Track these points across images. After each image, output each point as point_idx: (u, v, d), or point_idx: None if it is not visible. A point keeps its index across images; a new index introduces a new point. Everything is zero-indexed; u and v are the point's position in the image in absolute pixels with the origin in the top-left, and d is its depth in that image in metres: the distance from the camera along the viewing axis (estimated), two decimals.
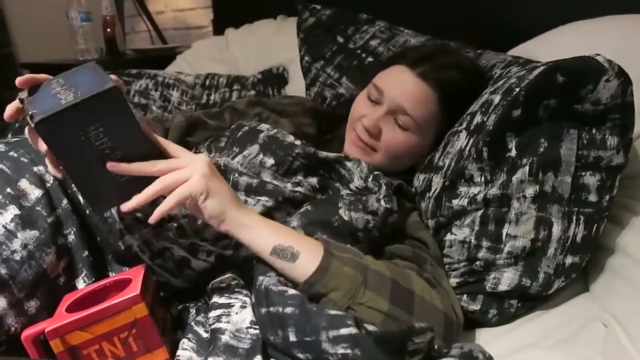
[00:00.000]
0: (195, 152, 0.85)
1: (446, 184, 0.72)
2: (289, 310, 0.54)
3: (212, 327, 0.57)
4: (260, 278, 0.60)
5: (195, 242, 0.68)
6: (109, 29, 1.95)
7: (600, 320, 0.65)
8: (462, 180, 0.70)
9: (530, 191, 0.66)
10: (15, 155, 0.65)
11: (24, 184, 0.62)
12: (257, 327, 0.58)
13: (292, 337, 0.53)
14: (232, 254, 0.68)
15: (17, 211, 0.59)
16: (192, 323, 0.61)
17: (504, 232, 0.68)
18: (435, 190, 0.74)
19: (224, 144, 0.83)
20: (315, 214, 0.70)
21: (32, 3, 2.13)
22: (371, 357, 0.49)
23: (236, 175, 0.75)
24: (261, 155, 0.77)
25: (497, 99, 0.71)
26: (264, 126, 0.82)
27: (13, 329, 0.56)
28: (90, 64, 0.57)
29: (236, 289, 0.63)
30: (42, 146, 0.54)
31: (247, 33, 1.65)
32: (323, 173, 0.78)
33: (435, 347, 0.52)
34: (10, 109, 0.54)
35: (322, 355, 0.51)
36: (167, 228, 0.68)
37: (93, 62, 0.58)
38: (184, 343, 0.57)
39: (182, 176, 0.58)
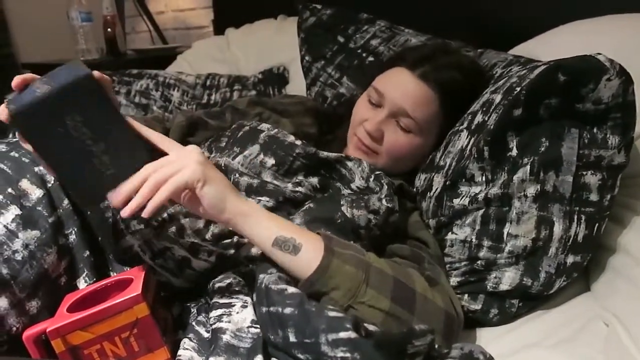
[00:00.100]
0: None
1: (447, 183, 0.72)
2: (288, 310, 0.54)
3: (213, 326, 0.57)
4: (262, 276, 0.60)
5: (196, 242, 0.68)
6: (109, 29, 1.95)
7: (601, 319, 0.65)
8: (463, 180, 0.70)
9: (531, 190, 0.66)
10: (17, 155, 0.65)
11: (25, 184, 0.62)
12: (258, 326, 0.58)
13: (292, 338, 0.53)
14: (233, 254, 0.68)
15: (18, 211, 0.59)
16: (193, 323, 0.61)
17: (505, 231, 0.68)
18: (437, 189, 0.74)
19: (224, 144, 0.83)
20: (318, 211, 0.70)
21: (32, 3, 2.14)
22: None
23: (237, 175, 0.75)
24: (262, 156, 0.77)
25: (498, 98, 0.71)
26: (264, 126, 0.82)
27: (14, 329, 0.56)
28: (74, 60, 0.57)
29: (237, 289, 0.63)
30: (28, 145, 0.54)
31: (248, 33, 1.65)
32: (324, 173, 0.78)
33: (436, 346, 0.52)
34: (1, 112, 0.54)
35: (322, 358, 0.51)
36: (167, 228, 0.68)
37: (78, 59, 0.58)
38: (185, 343, 0.57)
39: (176, 166, 0.56)
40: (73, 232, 0.64)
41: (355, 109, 0.87)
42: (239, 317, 0.58)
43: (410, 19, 1.16)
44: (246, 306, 0.60)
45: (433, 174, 0.77)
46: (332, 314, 0.53)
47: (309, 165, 0.76)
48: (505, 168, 0.67)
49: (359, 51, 1.13)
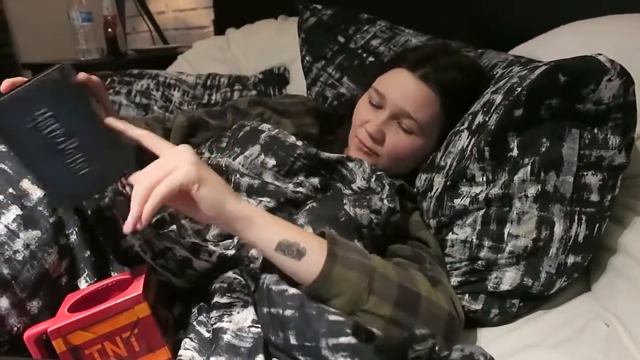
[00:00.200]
0: (196, 152, 0.86)
1: (448, 183, 0.72)
2: (288, 312, 0.54)
3: (214, 326, 0.57)
4: (263, 276, 0.60)
5: (197, 242, 0.68)
6: (110, 29, 1.95)
7: (602, 319, 0.65)
8: (464, 180, 0.70)
9: (532, 191, 0.66)
10: None
11: (25, 184, 0.62)
12: (259, 326, 0.58)
13: (293, 340, 0.53)
14: (234, 254, 0.68)
15: (19, 211, 0.59)
16: (194, 323, 0.61)
17: (506, 231, 0.68)
18: (437, 189, 0.74)
19: (225, 144, 0.83)
20: (322, 210, 0.69)
21: (33, 3, 2.14)
22: None
23: (238, 176, 0.75)
24: (262, 156, 0.77)
25: (498, 98, 0.71)
26: (265, 126, 0.82)
27: (15, 329, 0.56)
28: (63, 63, 0.57)
29: (238, 289, 0.63)
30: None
31: (248, 33, 1.65)
32: (325, 173, 0.78)
33: (436, 348, 0.52)
34: None
35: None
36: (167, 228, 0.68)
37: (67, 62, 0.58)
38: (186, 343, 0.57)
39: (168, 167, 0.53)
40: (74, 232, 0.64)
41: (356, 110, 0.87)
42: (239, 317, 0.58)
43: (410, 19, 1.16)
44: (247, 306, 0.60)
45: (434, 174, 0.77)
46: (332, 317, 0.52)
47: (310, 165, 0.76)
48: (506, 168, 0.67)
49: (360, 51, 1.13)
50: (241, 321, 0.57)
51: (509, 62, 0.86)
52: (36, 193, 0.62)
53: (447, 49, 0.89)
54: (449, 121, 0.81)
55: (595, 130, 0.64)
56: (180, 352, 0.56)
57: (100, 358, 0.54)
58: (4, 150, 0.67)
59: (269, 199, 0.73)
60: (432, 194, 0.75)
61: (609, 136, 0.64)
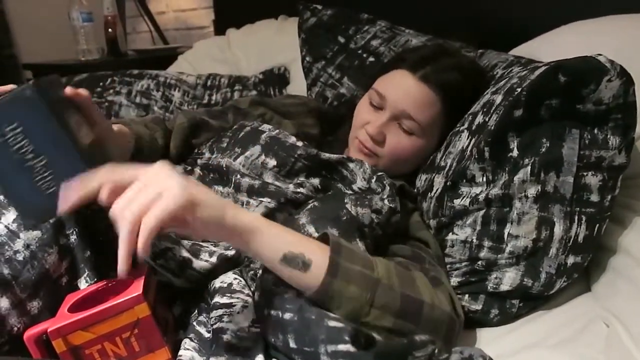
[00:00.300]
0: (197, 153, 0.86)
1: (448, 184, 0.72)
2: (287, 316, 0.54)
3: (214, 326, 0.57)
4: (263, 277, 0.60)
5: (197, 243, 0.68)
6: (110, 30, 1.95)
7: (602, 320, 0.65)
8: (464, 180, 0.70)
9: (532, 191, 0.66)
10: None
11: None
12: (259, 326, 0.58)
13: (292, 344, 0.53)
14: (234, 255, 0.68)
15: None
16: (194, 323, 0.61)
17: (506, 232, 0.68)
18: (437, 190, 0.74)
19: (225, 144, 0.83)
20: (324, 209, 0.69)
21: (34, 4, 2.14)
22: None
23: (238, 176, 0.75)
24: (263, 156, 0.77)
25: (498, 99, 0.71)
26: (265, 127, 0.82)
27: (16, 329, 0.56)
28: (51, 75, 0.57)
29: (237, 289, 0.63)
30: None
31: (248, 33, 1.65)
32: (325, 174, 0.77)
33: (436, 351, 0.52)
34: None
35: None
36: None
37: (56, 75, 0.58)
38: (186, 343, 0.57)
39: (151, 194, 0.47)
40: (74, 232, 0.64)
41: (357, 111, 0.87)
42: (239, 317, 0.58)
43: (410, 19, 1.16)
44: (247, 306, 0.60)
45: (434, 174, 0.77)
46: (332, 323, 0.52)
47: (311, 166, 0.76)
48: (506, 169, 0.67)
49: (360, 51, 1.13)
50: (241, 321, 0.57)
51: (509, 63, 0.87)
52: None
53: (447, 49, 0.89)
54: (449, 122, 0.81)
55: (596, 131, 0.64)
56: (180, 352, 0.56)
57: (100, 358, 0.54)
58: None
59: (269, 199, 0.73)
60: (432, 194, 0.75)
61: (609, 136, 0.64)
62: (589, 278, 0.74)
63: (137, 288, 0.54)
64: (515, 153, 0.67)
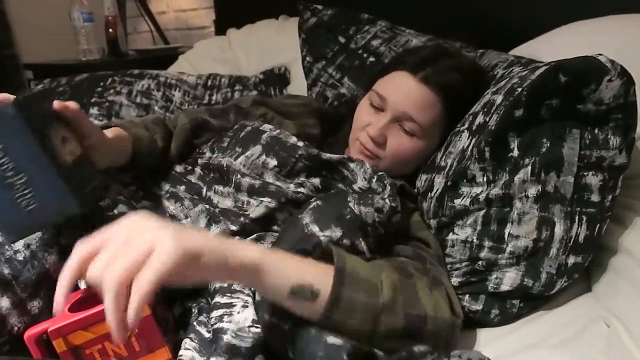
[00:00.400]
0: (198, 152, 0.86)
1: (448, 184, 0.72)
2: (287, 326, 0.54)
3: (214, 327, 0.57)
4: None
5: None
6: (111, 30, 1.95)
7: (603, 320, 0.65)
8: (464, 180, 0.70)
9: (532, 191, 0.66)
10: None
11: None
12: (259, 326, 0.58)
13: (291, 354, 0.53)
14: None
15: None
16: (194, 323, 0.61)
17: (506, 232, 0.68)
18: (437, 190, 0.74)
19: (226, 144, 0.83)
20: (327, 208, 0.68)
21: (34, 4, 2.14)
22: None
23: (239, 176, 0.75)
24: (264, 156, 0.77)
25: (499, 99, 0.71)
26: (266, 127, 0.82)
27: (16, 328, 0.56)
28: (44, 89, 0.57)
29: (238, 289, 0.63)
30: None
31: (249, 33, 1.66)
32: (326, 174, 0.77)
33: (435, 355, 0.52)
34: None
35: None
36: None
37: (49, 88, 0.58)
38: (186, 343, 0.57)
39: (139, 253, 0.41)
40: (74, 232, 0.64)
41: (357, 113, 0.87)
42: (240, 317, 0.58)
43: (410, 19, 1.16)
44: (247, 306, 0.60)
45: (434, 174, 0.77)
46: (330, 340, 0.51)
47: (311, 166, 0.76)
48: (507, 168, 0.67)
49: (360, 51, 1.13)
50: (241, 321, 0.57)
51: (510, 63, 0.87)
52: None
53: (447, 50, 0.89)
54: (450, 122, 0.81)
55: (596, 131, 0.64)
56: (181, 352, 0.56)
57: (100, 358, 0.54)
58: None
59: (269, 199, 0.73)
60: (433, 194, 0.75)
61: (609, 136, 0.64)
62: (589, 278, 0.74)
63: None
64: (515, 153, 0.67)
